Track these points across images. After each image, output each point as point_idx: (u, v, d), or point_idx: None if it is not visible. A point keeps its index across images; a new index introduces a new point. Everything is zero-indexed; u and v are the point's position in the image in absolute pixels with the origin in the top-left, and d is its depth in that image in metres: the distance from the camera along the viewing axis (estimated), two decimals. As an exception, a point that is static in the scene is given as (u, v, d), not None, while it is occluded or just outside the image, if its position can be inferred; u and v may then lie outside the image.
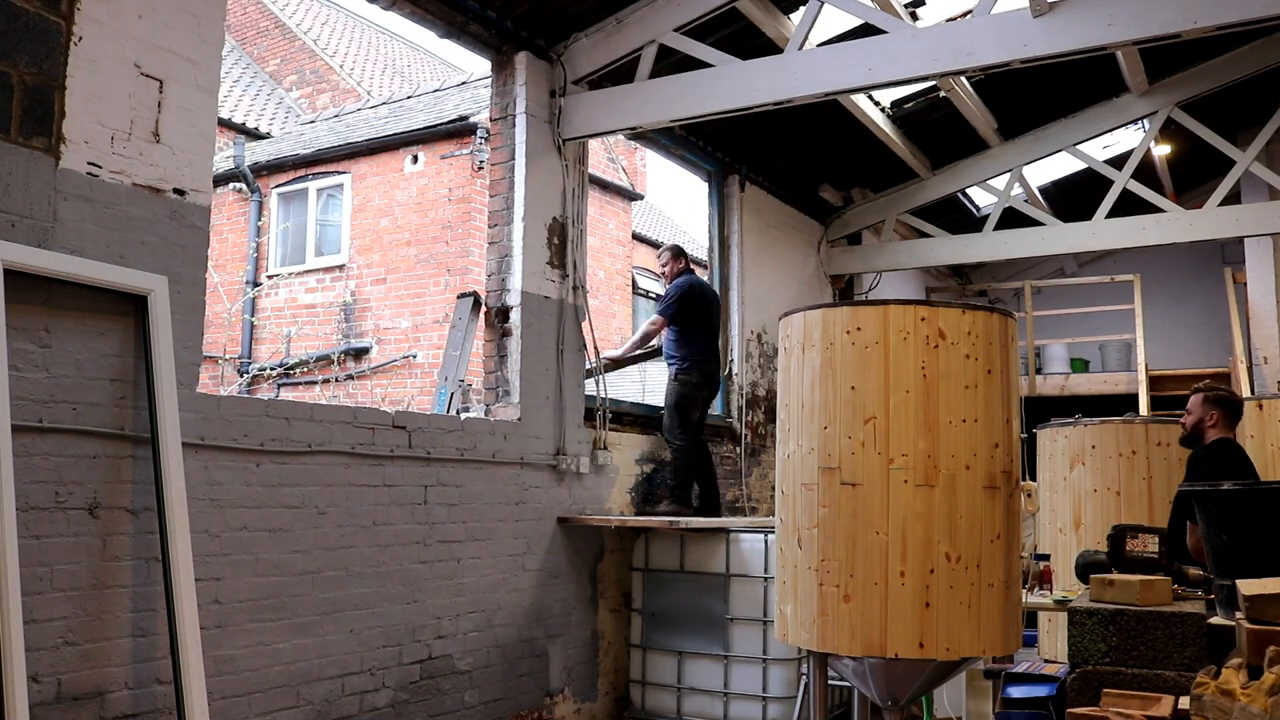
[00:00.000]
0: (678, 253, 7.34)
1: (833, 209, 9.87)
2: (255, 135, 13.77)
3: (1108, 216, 8.48)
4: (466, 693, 5.51)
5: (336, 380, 10.67)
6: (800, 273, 9.51)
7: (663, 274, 7.38)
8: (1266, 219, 8.15)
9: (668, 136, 7.79)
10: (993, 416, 3.52)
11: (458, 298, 6.47)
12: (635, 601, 6.50)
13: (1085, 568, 3.82)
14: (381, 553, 5.05)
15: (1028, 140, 9.01)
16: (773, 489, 6.22)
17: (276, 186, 11.80)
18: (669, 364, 7.08)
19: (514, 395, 6.08)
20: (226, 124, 13.23)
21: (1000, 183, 9.25)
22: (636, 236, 16.09)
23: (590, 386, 6.63)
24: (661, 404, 7.19)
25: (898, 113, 8.53)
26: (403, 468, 5.19)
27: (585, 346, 6.60)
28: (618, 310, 14.12)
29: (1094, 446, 5.65)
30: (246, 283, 11.61)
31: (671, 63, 6.41)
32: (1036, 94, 8.40)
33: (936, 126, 8.83)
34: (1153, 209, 8.44)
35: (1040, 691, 5.12)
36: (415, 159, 10.67)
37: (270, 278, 11.68)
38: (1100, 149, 9.87)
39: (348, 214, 11.10)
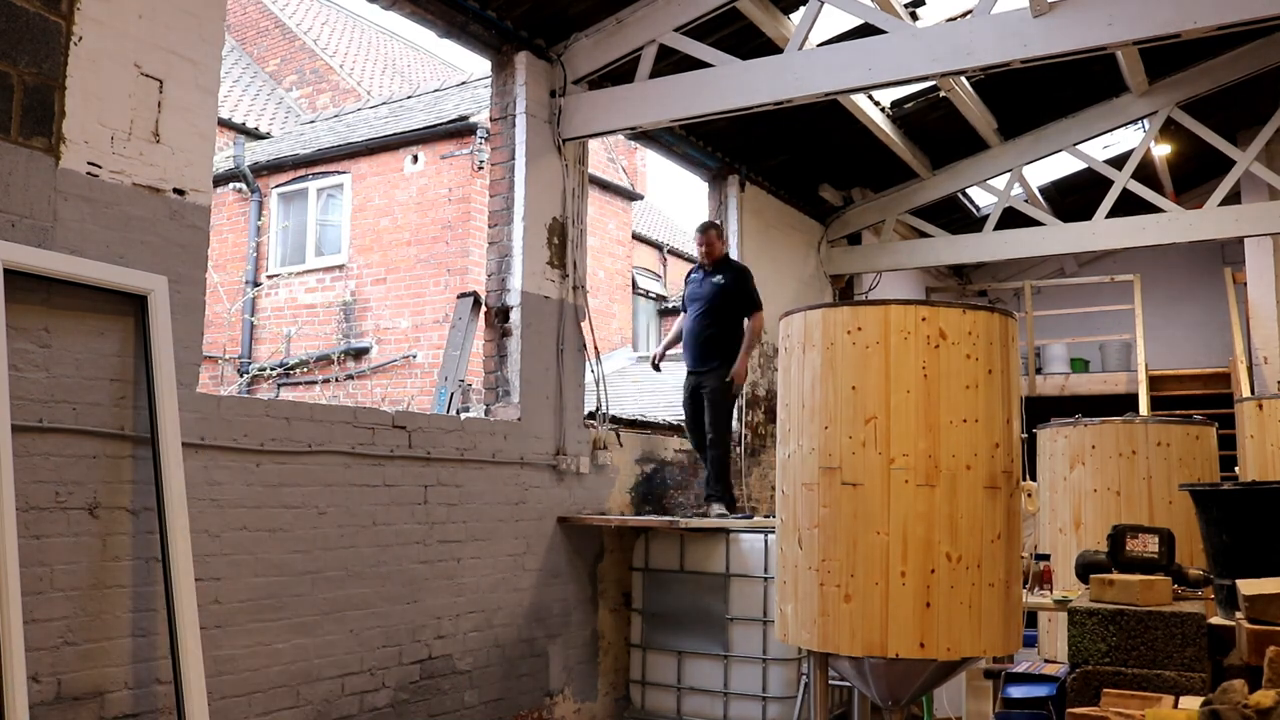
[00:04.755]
0: (721, 229, 6.88)
1: (833, 209, 9.87)
2: (255, 135, 13.77)
3: (1108, 216, 8.49)
4: (466, 693, 5.51)
5: (336, 380, 10.67)
6: (800, 273, 9.50)
7: (703, 254, 6.79)
8: (1266, 219, 8.15)
9: (668, 136, 7.79)
10: (993, 416, 3.52)
11: (458, 298, 6.48)
12: (635, 601, 6.50)
13: (1085, 568, 3.81)
14: (381, 553, 5.05)
15: (1028, 140, 9.01)
16: (773, 489, 6.22)
17: (276, 186, 11.80)
18: (715, 361, 6.66)
19: (514, 395, 6.08)
20: (226, 124, 13.23)
21: (1000, 183, 9.25)
22: (636, 236, 16.09)
23: (590, 386, 6.63)
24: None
25: (898, 113, 8.53)
26: (403, 468, 5.19)
27: (585, 346, 6.60)
28: (618, 310, 14.13)
29: (1094, 446, 5.64)
30: (246, 283, 11.61)
31: (671, 63, 6.40)
32: (1036, 94, 8.40)
33: (936, 126, 8.82)
34: (1153, 209, 8.43)
35: (1040, 691, 5.12)
36: (415, 159, 10.68)
37: (270, 278, 11.69)
38: (1100, 149, 9.87)
39: (348, 214, 11.10)
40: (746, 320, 6.73)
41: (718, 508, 6.63)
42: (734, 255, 8.53)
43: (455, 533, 5.49)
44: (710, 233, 6.84)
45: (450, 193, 10.35)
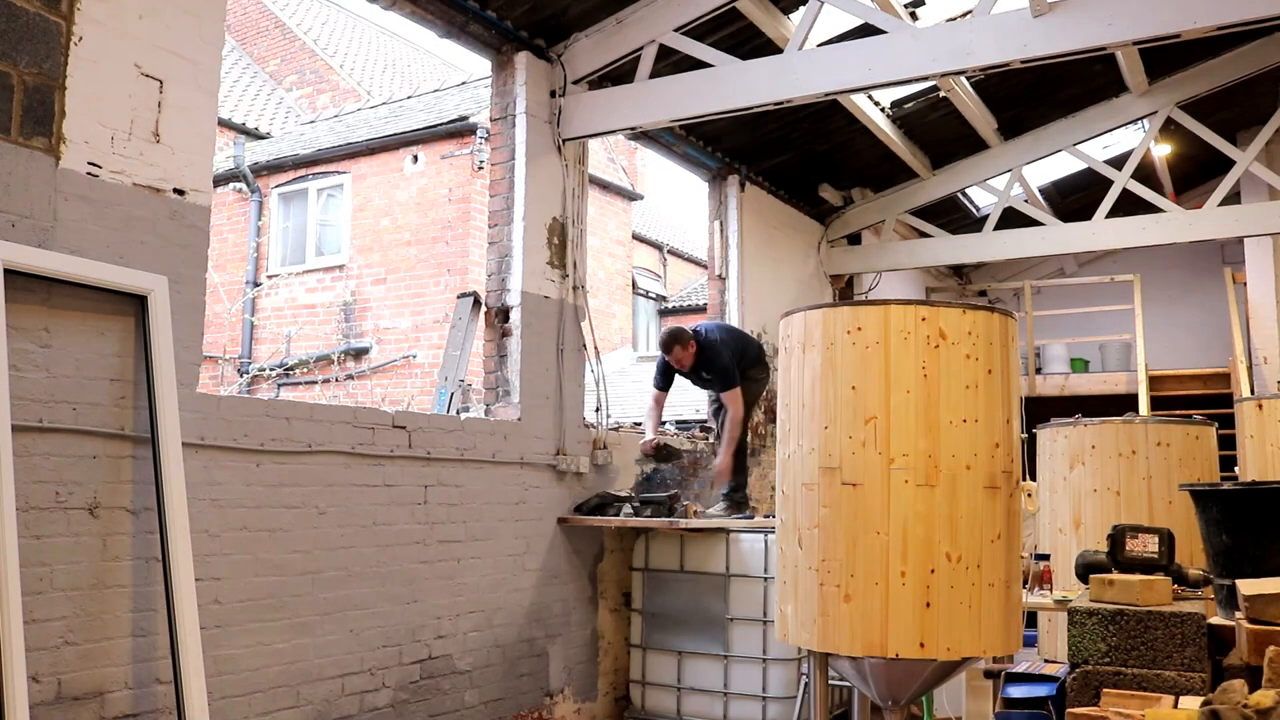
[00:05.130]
0: (675, 338, 6.70)
1: (833, 209, 9.87)
2: (255, 135, 13.78)
3: (1108, 216, 8.48)
4: (466, 693, 5.51)
5: (336, 380, 10.68)
6: (800, 273, 9.50)
7: (679, 363, 6.68)
8: (1266, 219, 8.15)
9: (668, 136, 7.79)
10: (993, 416, 3.51)
11: (458, 298, 6.48)
12: (635, 601, 6.49)
13: (1085, 568, 3.81)
14: (381, 553, 5.05)
15: (1028, 140, 9.01)
16: (773, 489, 6.22)
17: (276, 186, 11.81)
18: (731, 372, 6.73)
19: (514, 395, 6.08)
20: (226, 124, 13.24)
21: (1000, 183, 9.25)
22: (636, 236, 16.10)
23: (590, 386, 6.63)
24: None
25: (898, 113, 8.53)
26: (403, 468, 5.19)
27: (585, 346, 6.60)
28: (618, 310, 14.14)
29: (1094, 446, 5.64)
30: (246, 283, 11.62)
31: (671, 63, 6.40)
32: (1036, 94, 8.40)
33: (936, 126, 8.82)
34: (1153, 209, 8.43)
35: (1040, 691, 5.13)
36: (415, 159, 10.68)
37: (270, 278, 11.70)
38: (1100, 149, 9.87)
39: (348, 214, 11.11)
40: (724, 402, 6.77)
41: (718, 506, 6.68)
42: (734, 256, 8.54)
43: (455, 533, 5.49)
44: (675, 349, 6.66)
45: (450, 193, 10.36)
